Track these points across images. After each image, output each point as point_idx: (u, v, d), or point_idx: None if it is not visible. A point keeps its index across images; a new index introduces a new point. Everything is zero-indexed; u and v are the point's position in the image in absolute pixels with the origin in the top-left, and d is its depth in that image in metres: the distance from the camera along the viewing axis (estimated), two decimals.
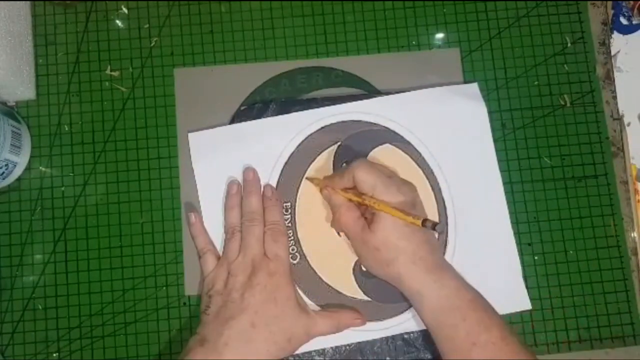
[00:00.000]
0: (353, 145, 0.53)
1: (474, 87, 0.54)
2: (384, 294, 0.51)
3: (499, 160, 0.54)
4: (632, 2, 0.57)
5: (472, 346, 0.43)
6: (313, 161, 0.53)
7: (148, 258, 0.53)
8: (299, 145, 0.53)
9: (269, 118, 0.54)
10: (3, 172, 0.52)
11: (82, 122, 0.55)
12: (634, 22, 0.57)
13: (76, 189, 0.54)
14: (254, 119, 0.54)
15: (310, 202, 0.53)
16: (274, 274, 0.48)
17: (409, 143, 0.53)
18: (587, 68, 0.56)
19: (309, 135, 0.53)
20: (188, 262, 0.53)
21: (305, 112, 0.54)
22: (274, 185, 0.53)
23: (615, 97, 0.56)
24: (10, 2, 0.52)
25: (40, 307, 0.53)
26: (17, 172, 0.53)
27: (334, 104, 0.54)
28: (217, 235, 0.52)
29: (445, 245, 0.52)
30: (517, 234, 0.54)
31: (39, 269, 0.53)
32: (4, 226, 0.54)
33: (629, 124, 0.56)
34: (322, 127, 0.54)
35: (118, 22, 0.57)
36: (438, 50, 0.56)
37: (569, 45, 0.56)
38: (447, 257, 0.52)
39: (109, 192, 0.54)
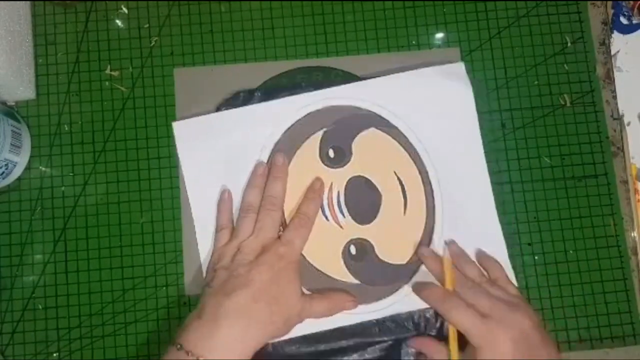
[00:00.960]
0: (339, 131, 0.53)
1: (459, 67, 0.54)
2: (373, 277, 0.51)
3: (499, 160, 0.54)
4: (632, 2, 0.57)
5: None
6: (299, 147, 0.53)
7: (148, 258, 0.53)
8: (285, 131, 0.53)
9: (254, 105, 0.54)
10: (3, 172, 0.52)
11: (82, 121, 0.55)
12: (634, 22, 0.57)
13: (76, 188, 0.54)
14: (240, 106, 0.54)
15: (296, 188, 0.52)
16: (283, 257, 0.48)
17: (395, 127, 0.53)
18: (587, 68, 0.56)
19: (295, 122, 0.53)
20: (188, 262, 0.53)
21: (290, 98, 0.54)
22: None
23: (615, 97, 0.56)
24: (10, 2, 0.52)
25: (40, 307, 0.53)
26: (17, 171, 0.53)
27: (318, 90, 0.54)
28: (202, 223, 0.52)
29: (433, 228, 0.52)
30: (517, 234, 0.54)
31: (39, 268, 0.53)
32: (4, 226, 0.54)
33: (629, 124, 0.56)
34: (308, 113, 0.53)
35: (118, 22, 0.57)
36: (438, 50, 0.56)
37: (569, 45, 0.56)
38: (435, 239, 0.52)
39: (109, 192, 0.54)
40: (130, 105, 0.55)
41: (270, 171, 0.52)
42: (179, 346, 0.44)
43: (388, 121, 0.53)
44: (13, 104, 0.55)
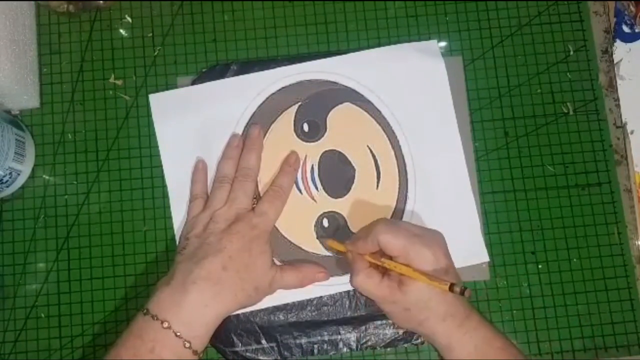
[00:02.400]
0: (313, 105, 0.54)
1: (433, 44, 0.55)
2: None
3: (502, 169, 0.54)
4: (634, 11, 0.57)
5: None
6: (274, 121, 0.54)
7: (151, 266, 0.53)
8: (260, 105, 0.54)
9: (229, 78, 0.54)
10: (7, 181, 0.52)
11: (86, 130, 0.55)
12: (636, 30, 0.57)
13: (79, 197, 0.54)
14: (216, 80, 0.54)
15: (271, 161, 0.53)
16: (255, 227, 0.48)
17: (369, 101, 0.54)
18: (589, 76, 0.56)
19: (269, 95, 0.54)
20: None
21: (266, 72, 0.54)
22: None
23: (618, 105, 0.56)
24: (14, 11, 0.53)
25: (42, 316, 0.53)
26: (21, 180, 0.54)
27: (293, 64, 0.54)
28: (176, 194, 0.53)
29: (405, 200, 0.53)
30: (521, 242, 0.53)
31: (42, 277, 0.53)
32: (8, 234, 0.54)
33: (632, 132, 0.56)
34: (283, 87, 0.54)
35: (122, 31, 0.57)
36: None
37: (571, 53, 0.56)
38: (407, 212, 0.52)
39: (112, 201, 0.54)
40: (133, 114, 0.55)
41: (245, 143, 0.52)
42: (145, 311, 0.44)
43: (362, 96, 0.54)
44: (17, 112, 0.55)
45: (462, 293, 0.43)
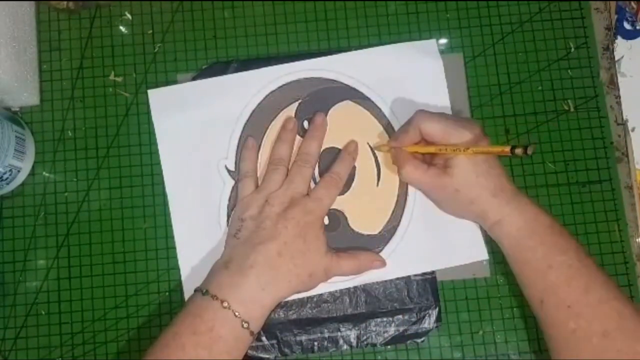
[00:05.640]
0: (313, 103, 0.54)
1: (431, 44, 0.55)
2: (346, 247, 0.52)
3: (504, 166, 0.54)
4: (635, 8, 0.57)
5: (548, 268, 0.44)
6: (274, 119, 0.54)
7: (151, 264, 0.53)
8: (260, 102, 0.54)
9: (229, 75, 0.54)
10: (7, 178, 0.52)
11: (86, 127, 0.55)
12: (637, 27, 0.57)
13: (80, 194, 0.54)
14: (215, 77, 0.54)
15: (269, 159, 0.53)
16: (310, 213, 0.48)
17: (368, 99, 0.54)
18: (590, 73, 0.56)
19: (269, 93, 0.54)
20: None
21: (266, 69, 0.54)
22: (235, 142, 0.53)
23: (619, 102, 0.56)
24: (14, 8, 0.53)
25: (43, 313, 0.53)
26: (21, 177, 0.53)
27: (293, 62, 0.54)
28: (175, 192, 0.53)
29: (406, 197, 0.53)
30: None
31: (42, 274, 0.53)
32: (8, 231, 0.54)
33: (633, 129, 0.56)
34: (283, 85, 0.54)
35: (122, 28, 0.57)
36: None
37: (572, 50, 0.56)
38: (407, 209, 0.53)
39: (112, 198, 0.54)
40: (134, 111, 0.55)
41: (309, 129, 0.53)
42: (204, 291, 0.45)
43: (362, 93, 0.54)
44: (17, 109, 0.55)
45: (525, 151, 0.43)
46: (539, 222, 0.46)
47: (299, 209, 0.48)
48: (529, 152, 0.43)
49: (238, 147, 0.53)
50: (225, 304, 0.44)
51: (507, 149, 0.44)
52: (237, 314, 0.44)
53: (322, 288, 0.51)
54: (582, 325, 0.43)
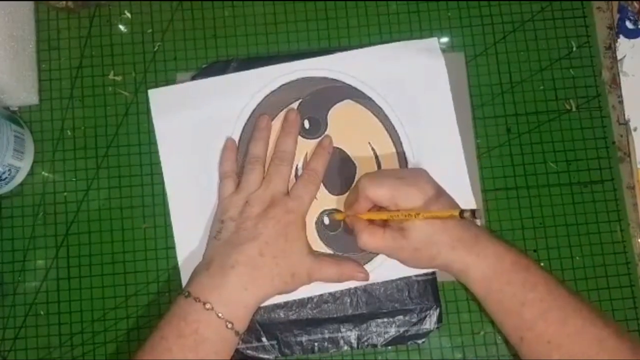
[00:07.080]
0: (314, 102, 0.54)
1: (433, 42, 0.55)
2: (346, 247, 0.52)
3: (504, 165, 0.54)
4: (637, 7, 0.57)
5: (521, 306, 0.44)
6: (275, 118, 0.53)
7: (151, 264, 0.53)
8: (261, 102, 0.54)
9: (230, 74, 0.54)
10: (6, 178, 0.52)
11: (85, 127, 0.55)
12: (639, 26, 0.57)
13: (79, 194, 0.54)
14: (215, 76, 0.54)
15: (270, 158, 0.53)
16: (291, 212, 0.48)
17: (369, 98, 0.54)
18: (592, 72, 0.56)
19: (270, 92, 0.54)
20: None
21: (266, 68, 0.54)
22: (236, 141, 0.53)
23: (621, 102, 0.55)
24: (13, 7, 0.52)
25: (42, 313, 0.52)
26: (20, 177, 0.53)
27: (294, 61, 0.54)
28: (175, 191, 0.53)
29: None
30: (523, 240, 0.53)
31: (42, 274, 0.53)
32: (7, 231, 0.54)
33: (635, 129, 0.56)
34: (283, 84, 0.54)
35: (121, 27, 0.56)
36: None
37: (574, 49, 0.56)
38: None
39: (111, 197, 0.54)
40: (133, 111, 0.55)
41: (282, 126, 0.52)
42: (186, 294, 0.45)
43: (363, 93, 0.54)
44: (16, 109, 0.55)
45: (473, 216, 0.43)
46: (502, 263, 0.45)
47: (279, 208, 0.48)
48: (477, 216, 0.43)
49: (239, 145, 0.53)
50: (208, 306, 0.44)
51: (456, 212, 0.43)
52: (220, 314, 0.44)
53: (322, 288, 0.51)
54: (564, 356, 0.43)
